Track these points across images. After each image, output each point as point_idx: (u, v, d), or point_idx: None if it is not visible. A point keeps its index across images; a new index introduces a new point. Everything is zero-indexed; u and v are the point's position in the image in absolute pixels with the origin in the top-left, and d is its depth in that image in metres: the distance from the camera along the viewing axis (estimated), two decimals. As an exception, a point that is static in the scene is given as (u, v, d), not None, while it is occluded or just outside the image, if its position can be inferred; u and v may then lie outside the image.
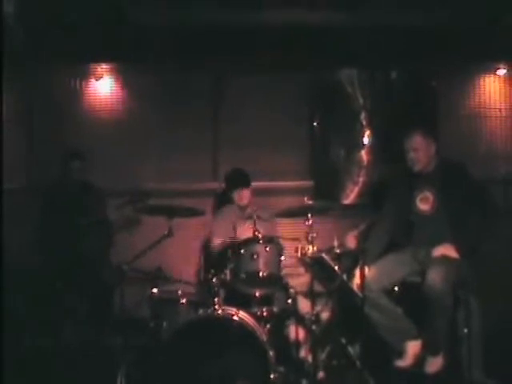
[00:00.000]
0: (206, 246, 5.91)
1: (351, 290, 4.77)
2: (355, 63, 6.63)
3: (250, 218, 5.06)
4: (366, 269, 4.89)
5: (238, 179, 5.63)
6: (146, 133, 6.56)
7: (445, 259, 4.92)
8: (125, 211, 5.73)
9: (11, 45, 5.87)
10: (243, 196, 5.58)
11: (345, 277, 4.76)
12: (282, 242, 5.02)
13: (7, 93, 6.39)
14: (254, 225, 4.86)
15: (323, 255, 4.64)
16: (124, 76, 6.60)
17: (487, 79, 6.77)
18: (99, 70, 6.59)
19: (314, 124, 6.60)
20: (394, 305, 5.05)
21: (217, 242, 5.55)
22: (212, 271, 4.82)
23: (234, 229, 5.40)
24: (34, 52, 6.21)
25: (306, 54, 6.45)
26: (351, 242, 5.21)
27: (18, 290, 5.72)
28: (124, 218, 5.87)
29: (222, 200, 6.05)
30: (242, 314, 4.54)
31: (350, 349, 5.06)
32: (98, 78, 6.58)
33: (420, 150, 5.16)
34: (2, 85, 5.08)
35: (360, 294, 4.72)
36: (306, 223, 4.80)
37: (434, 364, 4.88)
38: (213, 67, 6.57)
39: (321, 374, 4.89)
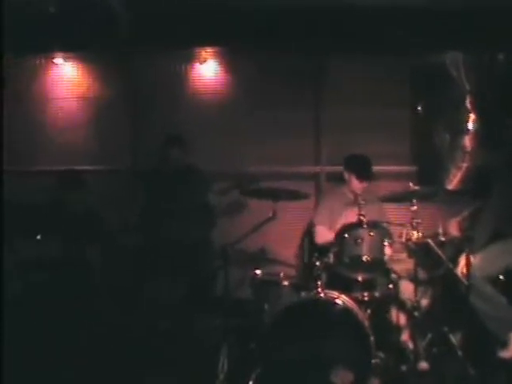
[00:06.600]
0: (310, 230, 5.92)
1: (456, 277, 4.71)
2: (461, 46, 6.48)
3: (356, 202, 5.04)
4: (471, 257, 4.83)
5: (361, 169, 5.57)
6: (248, 116, 6.60)
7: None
8: (231, 196, 5.77)
9: (118, 31, 6.03)
10: (357, 187, 5.55)
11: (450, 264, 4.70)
12: (386, 226, 5.00)
13: (113, 78, 6.64)
14: (359, 209, 4.85)
15: (429, 241, 4.60)
16: (228, 60, 6.65)
17: None
18: (203, 54, 6.66)
19: (418, 108, 6.51)
20: (498, 294, 4.98)
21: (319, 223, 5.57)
22: (316, 254, 4.86)
23: (336, 212, 5.43)
24: (140, 38, 6.31)
25: (410, 36, 6.34)
26: (454, 228, 5.15)
27: (120, 270, 5.89)
28: (230, 202, 5.90)
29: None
30: (344, 298, 4.56)
31: (451, 337, 5.00)
32: (202, 62, 6.66)
33: (528, 138, 5.05)
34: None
35: (465, 282, 4.66)
36: (411, 208, 4.76)
37: (539, 356, 4.79)
38: (315, 50, 6.55)
39: (421, 361, 4.86)
